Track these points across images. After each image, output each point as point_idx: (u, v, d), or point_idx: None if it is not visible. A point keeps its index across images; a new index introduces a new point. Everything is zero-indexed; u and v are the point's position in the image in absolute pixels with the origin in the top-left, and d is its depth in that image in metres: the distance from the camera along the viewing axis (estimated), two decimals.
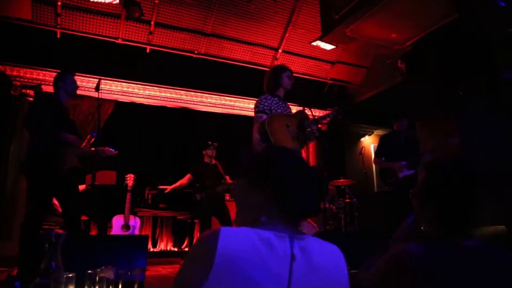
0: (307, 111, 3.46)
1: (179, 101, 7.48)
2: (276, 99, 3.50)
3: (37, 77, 6.40)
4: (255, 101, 3.48)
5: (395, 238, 1.52)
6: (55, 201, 5.82)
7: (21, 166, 4.69)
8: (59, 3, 6.05)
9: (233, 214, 5.65)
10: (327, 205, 6.26)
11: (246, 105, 7.88)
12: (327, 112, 3.84)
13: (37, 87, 6.31)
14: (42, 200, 3.43)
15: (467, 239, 1.26)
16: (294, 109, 3.62)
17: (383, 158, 4.94)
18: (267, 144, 3.10)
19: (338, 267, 1.02)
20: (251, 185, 1.09)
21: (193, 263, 0.94)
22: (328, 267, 0.98)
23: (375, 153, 5.12)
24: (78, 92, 6.52)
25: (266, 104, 3.40)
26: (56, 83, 3.68)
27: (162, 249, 7.09)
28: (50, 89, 6.57)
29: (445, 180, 1.31)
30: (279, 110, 3.45)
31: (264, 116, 3.30)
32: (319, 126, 3.40)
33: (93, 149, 3.83)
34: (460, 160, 1.33)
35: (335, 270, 1.01)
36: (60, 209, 5.72)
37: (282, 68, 3.60)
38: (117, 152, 3.98)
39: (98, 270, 1.59)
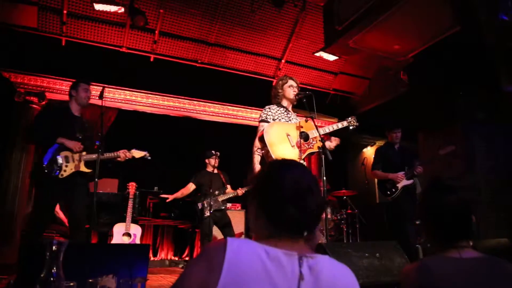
0: (310, 121, 3.46)
1: (182, 110, 7.50)
2: (281, 109, 3.52)
3: (41, 84, 6.43)
4: (258, 111, 3.51)
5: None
6: (58, 209, 5.83)
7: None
8: (65, 12, 6.11)
9: (234, 223, 5.63)
10: (329, 216, 6.24)
11: (249, 115, 7.88)
12: (336, 122, 3.82)
13: (40, 94, 6.34)
14: (43, 206, 3.57)
15: (466, 252, 1.26)
16: (301, 119, 3.62)
17: (380, 170, 4.92)
18: (268, 162, 3.09)
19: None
20: (259, 207, 1.07)
21: (198, 266, 0.93)
22: (338, 287, 0.96)
23: (372, 165, 5.08)
24: None
25: (269, 114, 3.44)
26: (70, 92, 3.87)
27: (163, 258, 7.06)
28: (53, 96, 6.62)
29: (437, 199, 1.36)
30: (283, 120, 3.46)
31: (266, 125, 3.32)
32: (322, 136, 3.39)
33: (115, 153, 3.88)
34: (453, 178, 1.37)
35: None
36: (62, 217, 5.75)
37: (285, 79, 3.64)
38: (146, 153, 4.05)
39: (99, 279, 1.58)
